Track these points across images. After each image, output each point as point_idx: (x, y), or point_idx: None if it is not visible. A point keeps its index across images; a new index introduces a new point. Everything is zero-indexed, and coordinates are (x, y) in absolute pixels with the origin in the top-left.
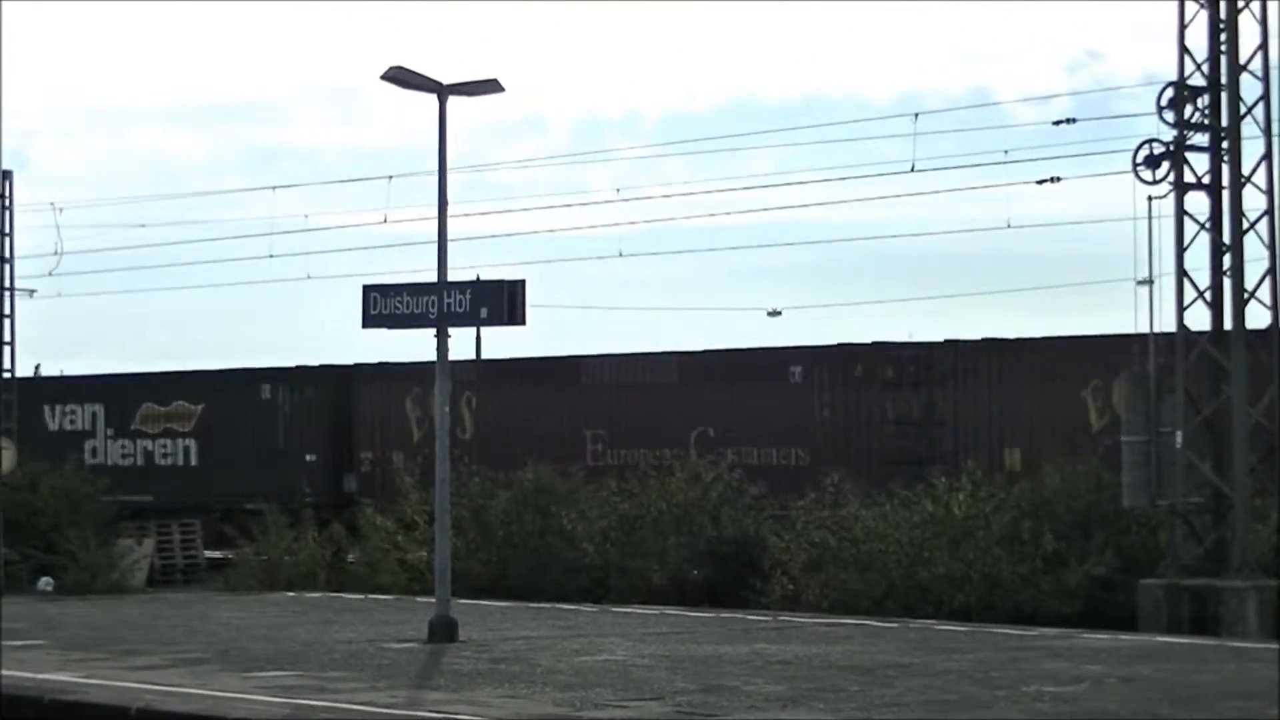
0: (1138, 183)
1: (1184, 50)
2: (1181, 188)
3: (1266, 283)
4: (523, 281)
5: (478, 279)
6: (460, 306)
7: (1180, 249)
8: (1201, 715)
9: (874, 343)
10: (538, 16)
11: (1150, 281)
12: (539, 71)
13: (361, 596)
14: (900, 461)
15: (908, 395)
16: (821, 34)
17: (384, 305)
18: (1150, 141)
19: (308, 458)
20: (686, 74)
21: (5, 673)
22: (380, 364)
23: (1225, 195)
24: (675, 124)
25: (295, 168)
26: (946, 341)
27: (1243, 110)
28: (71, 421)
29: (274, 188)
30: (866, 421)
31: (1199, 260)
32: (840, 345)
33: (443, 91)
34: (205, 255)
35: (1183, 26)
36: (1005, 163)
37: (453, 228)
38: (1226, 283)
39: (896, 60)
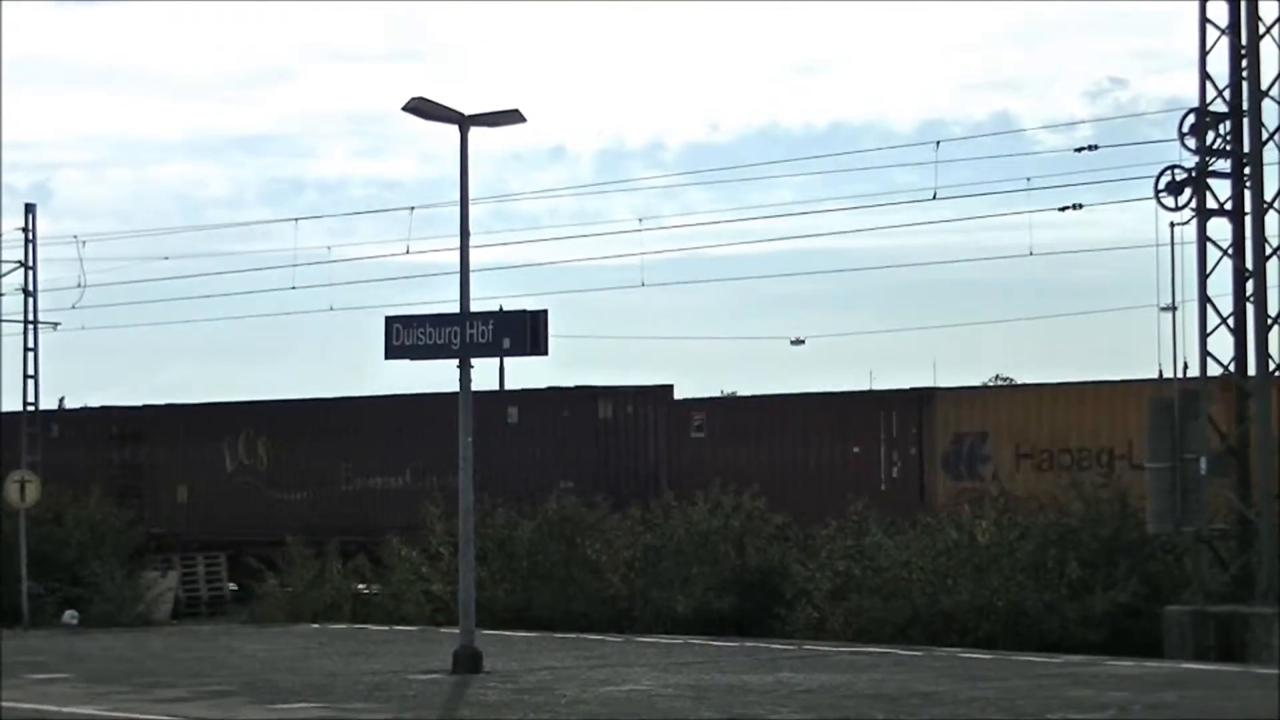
0: (1160, 209)
1: (1205, 76)
2: (1204, 214)
3: None
4: (545, 312)
5: (500, 310)
6: (483, 337)
7: (1203, 275)
8: None
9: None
10: (561, 47)
11: (1174, 308)
12: (562, 101)
13: (386, 628)
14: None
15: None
16: (844, 62)
17: (407, 336)
18: (1172, 168)
19: None
20: (709, 103)
21: (25, 705)
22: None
23: (1248, 221)
24: (697, 153)
25: (318, 199)
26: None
27: (1265, 136)
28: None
29: (296, 219)
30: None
31: (1222, 286)
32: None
33: (464, 122)
34: (228, 288)
35: (1204, 53)
36: (1027, 189)
37: (475, 258)
38: (1249, 308)
39: (919, 88)
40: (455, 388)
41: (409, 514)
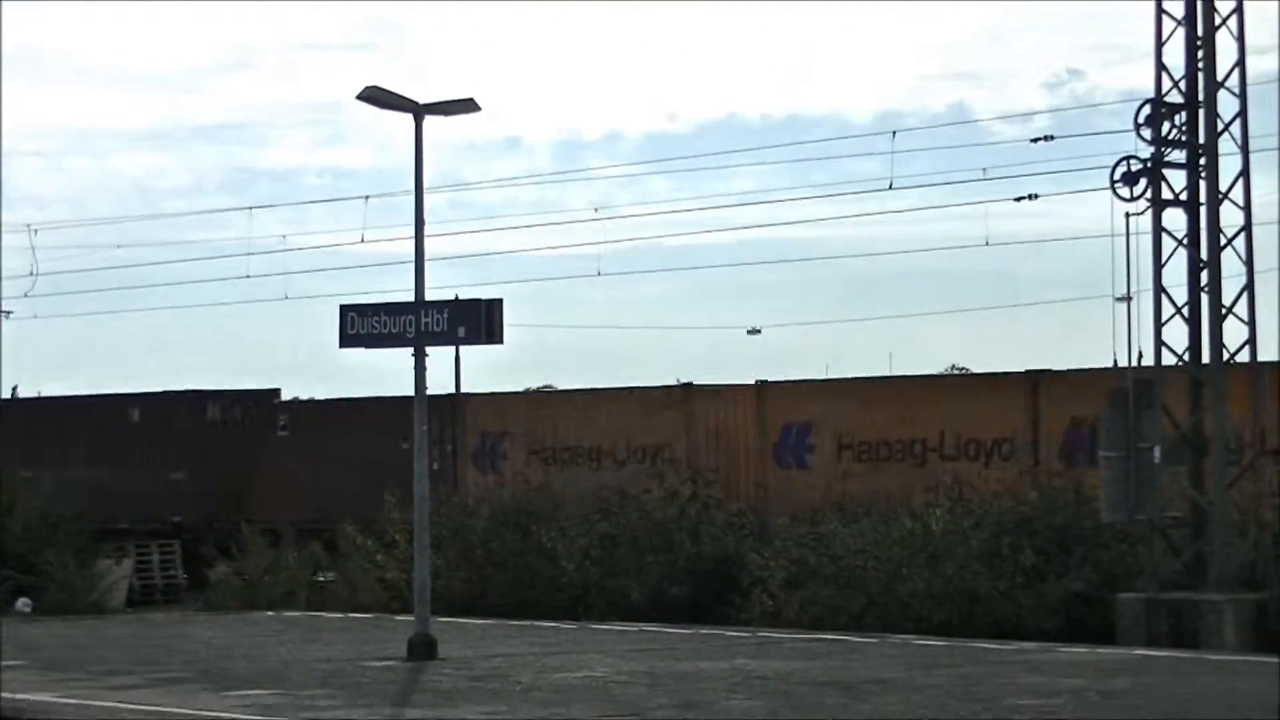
0: (1116, 200)
1: (1161, 68)
2: (1159, 204)
3: (1244, 298)
4: (500, 300)
5: (455, 298)
6: (438, 326)
7: (1158, 265)
8: None
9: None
10: (519, 39)
11: (1129, 298)
12: (520, 92)
13: (341, 615)
14: None
15: None
16: (801, 53)
17: (361, 325)
18: (1128, 158)
19: None
20: (666, 93)
21: None
22: None
23: (1203, 211)
24: (655, 143)
25: (275, 188)
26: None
27: (1220, 127)
28: None
29: (251, 208)
30: None
31: (1177, 277)
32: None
33: (419, 111)
34: (182, 276)
35: (1160, 44)
36: (984, 180)
37: (431, 247)
38: (1204, 298)
39: (876, 79)
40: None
41: None
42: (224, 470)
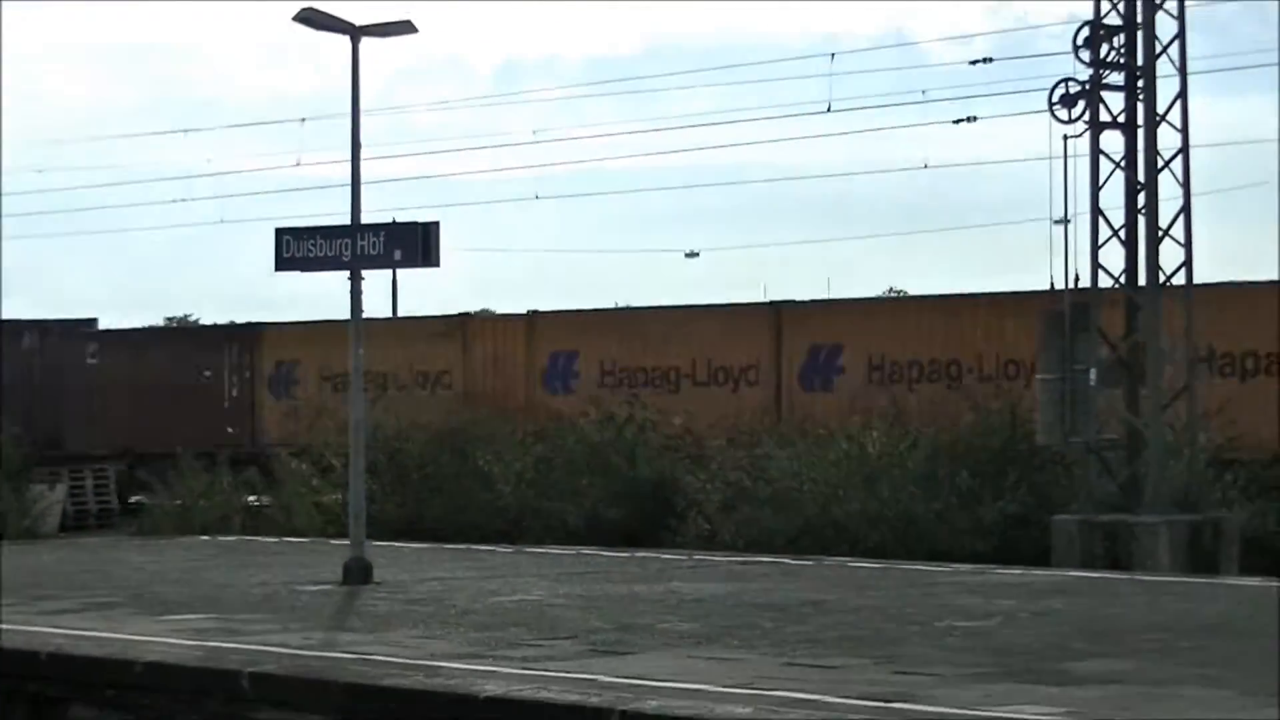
0: (1054, 122)
1: None
2: (1097, 127)
3: (1180, 221)
4: (436, 224)
5: (393, 221)
6: (374, 249)
7: (1095, 188)
8: (1112, 647)
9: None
10: None
11: (1067, 221)
12: (458, 14)
13: (276, 540)
14: None
15: None
16: None
17: (297, 248)
18: (1066, 81)
19: None
20: (607, 17)
21: None
22: None
23: (1140, 134)
24: (595, 67)
25: (210, 112)
26: None
27: (1158, 49)
28: None
29: (185, 131)
30: None
31: (1114, 200)
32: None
33: (355, 33)
34: (118, 200)
35: None
36: (923, 103)
37: (368, 171)
38: (1141, 221)
39: (815, 2)
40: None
41: None
42: (36, 400)
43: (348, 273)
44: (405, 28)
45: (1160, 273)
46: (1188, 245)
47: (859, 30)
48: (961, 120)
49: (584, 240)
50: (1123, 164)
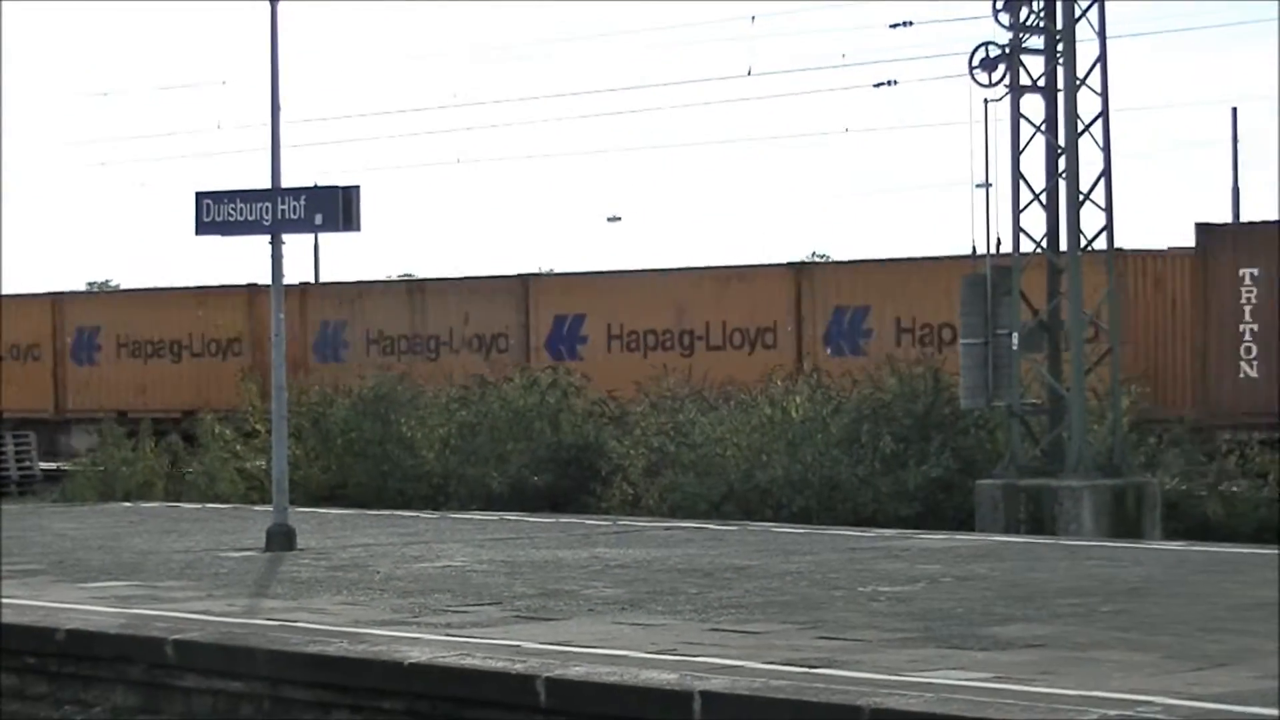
0: (974, 86)
1: None
2: (1017, 90)
3: (1101, 185)
4: (357, 188)
5: (314, 185)
6: (295, 213)
7: (1016, 151)
8: (1035, 610)
9: None
10: None
11: (987, 185)
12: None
13: (199, 506)
14: None
15: None
16: None
17: (218, 212)
18: (986, 44)
19: None
20: None
21: None
22: None
23: (1060, 97)
24: (515, 30)
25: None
26: None
27: (1077, 13)
28: None
29: (107, 93)
30: None
31: (1035, 164)
32: None
33: None
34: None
35: None
36: (842, 66)
37: (289, 135)
38: (1062, 184)
39: None
40: None
41: None
42: None
43: (268, 237)
44: None
45: (1081, 236)
46: (1108, 209)
47: None
48: (882, 84)
49: (504, 203)
50: (1043, 128)
